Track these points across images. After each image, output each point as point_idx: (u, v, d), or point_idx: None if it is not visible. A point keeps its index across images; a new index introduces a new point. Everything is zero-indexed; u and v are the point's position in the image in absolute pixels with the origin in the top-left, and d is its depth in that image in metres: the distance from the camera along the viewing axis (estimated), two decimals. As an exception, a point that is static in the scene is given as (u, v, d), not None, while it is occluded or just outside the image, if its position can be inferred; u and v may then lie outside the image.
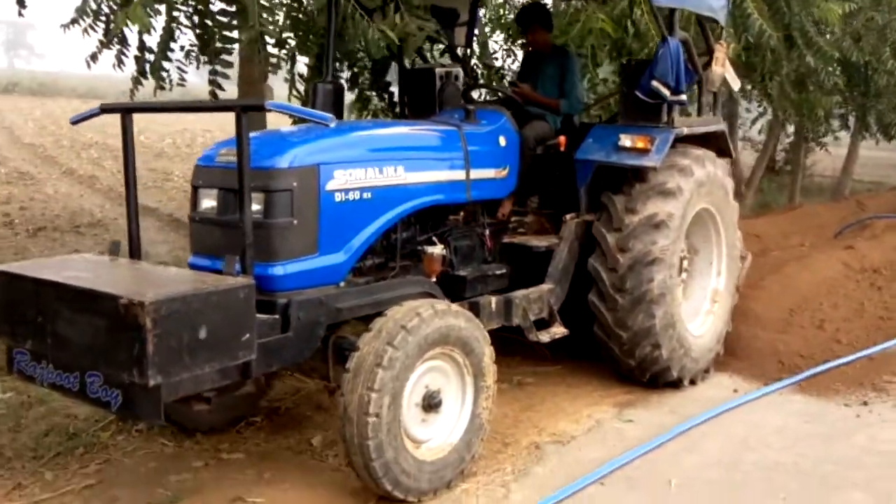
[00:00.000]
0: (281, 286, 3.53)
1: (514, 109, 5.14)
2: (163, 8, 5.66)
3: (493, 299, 4.40)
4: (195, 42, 6.27)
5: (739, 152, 15.22)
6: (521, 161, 4.89)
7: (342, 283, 3.81)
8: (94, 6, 5.90)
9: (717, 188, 5.19)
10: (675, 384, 5.03)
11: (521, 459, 4.05)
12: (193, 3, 6.00)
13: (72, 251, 8.00)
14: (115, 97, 16.13)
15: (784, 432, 4.48)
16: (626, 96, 5.06)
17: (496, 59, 9.42)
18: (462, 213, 4.69)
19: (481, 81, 7.34)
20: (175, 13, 5.96)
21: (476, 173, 4.53)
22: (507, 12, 9.41)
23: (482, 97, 6.18)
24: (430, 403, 3.62)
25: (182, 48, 6.41)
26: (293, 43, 6.34)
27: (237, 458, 4.02)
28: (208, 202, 3.73)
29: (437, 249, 4.30)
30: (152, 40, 6.07)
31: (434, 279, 4.24)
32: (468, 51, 6.28)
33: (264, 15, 5.11)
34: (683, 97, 4.89)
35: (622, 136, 4.81)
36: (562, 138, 5.08)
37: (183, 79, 6.55)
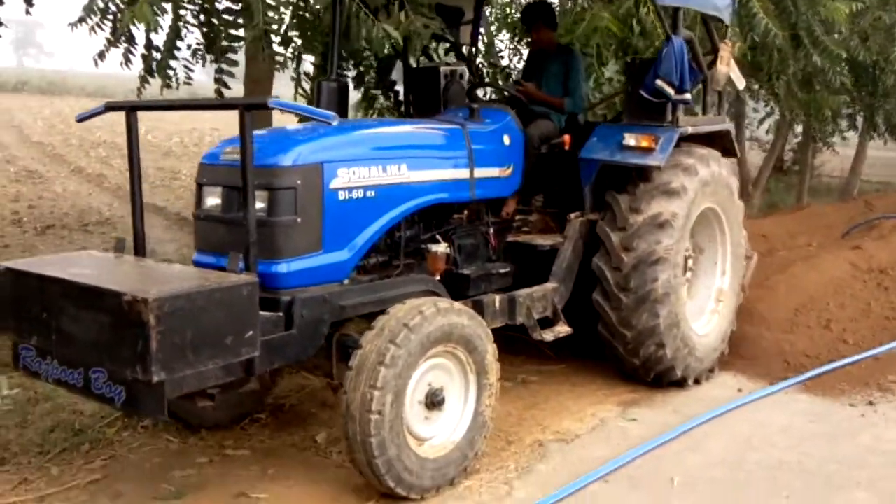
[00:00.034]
0: (285, 284, 3.54)
1: (518, 108, 5.14)
2: (169, 6, 5.68)
3: (497, 298, 4.41)
4: (202, 41, 6.30)
5: (747, 152, 15.20)
6: (525, 160, 4.90)
7: (346, 281, 3.82)
8: (101, 5, 5.92)
9: (722, 187, 5.18)
10: (680, 383, 5.03)
11: (524, 457, 4.06)
12: (200, 2, 6.02)
13: (80, 249, 8.04)
14: (124, 96, 16.21)
15: (789, 431, 4.48)
16: (630, 95, 5.06)
17: (502, 57, 9.42)
18: (466, 212, 4.70)
19: (486, 80, 7.35)
20: (181, 11, 5.98)
21: (480, 172, 4.53)
22: (513, 11, 9.41)
23: (487, 96, 6.19)
24: (433, 401, 3.63)
25: (189, 47, 6.44)
26: (299, 42, 6.35)
27: (241, 454, 4.04)
28: (213, 200, 3.74)
29: (441, 248, 4.31)
30: (159, 39, 6.11)
31: (438, 277, 4.24)
32: (473, 49, 6.28)
33: (269, 13, 5.13)
34: (688, 96, 4.89)
35: (626, 135, 4.81)
36: (566, 137, 5.08)
37: (189, 77, 6.58)
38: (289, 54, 6.51)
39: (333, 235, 3.71)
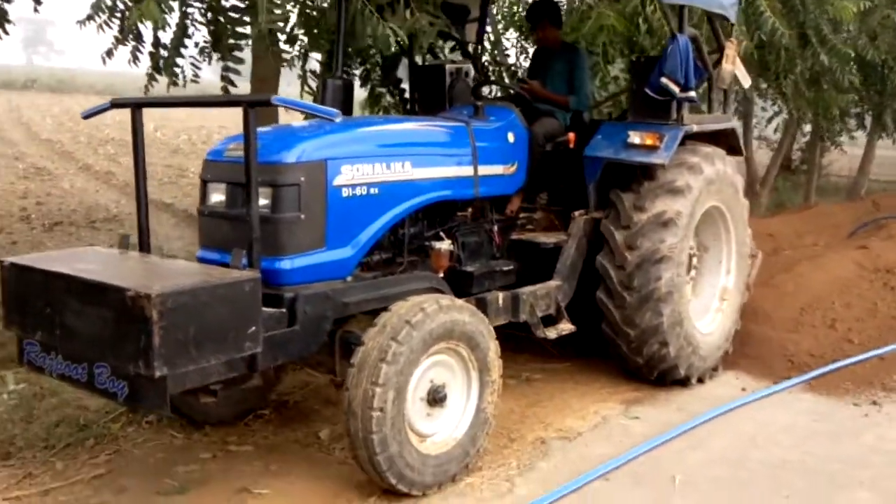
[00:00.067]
0: (288, 280, 3.55)
1: (523, 106, 5.14)
2: (176, 4, 5.71)
3: (501, 295, 4.41)
4: (209, 38, 6.32)
5: (755, 151, 15.15)
6: (529, 157, 4.90)
7: (349, 278, 3.84)
8: (108, 2, 5.95)
9: (727, 186, 5.17)
10: (683, 382, 5.03)
11: (526, 454, 4.06)
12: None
13: (87, 246, 8.07)
14: (132, 93, 16.25)
15: (792, 430, 4.47)
16: (635, 93, 5.05)
17: (508, 55, 9.42)
18: (470, 209, 4.70)
19: (492, 78, 7.34)
20: (188, 9, 6.00)
21: (484, 169, 4.54)
22: (519, 9, 9.40)
23: (492, 94, 6.19)
24: (435, 398, 3.64)
25: (196, 44, 6.46)
26: (305, 40, 6.37)
27: (245, 450, 4.06)
28: (217, 196, 3.76)
29: (445, 245, 4.31)
30: (167, 36, 6.14)
31: (441, 275, 4.25)
32: (479, 47, 6.29)
33: (275, 11, 5.14)
34: (693, 94, 4.88)
35: (631, 133, 4.80)
36: (571, 135, 5.09)
37: (197, 75, 6.60)
38: (295, 52, 6.54)
39: (337, 232, 3.72)
